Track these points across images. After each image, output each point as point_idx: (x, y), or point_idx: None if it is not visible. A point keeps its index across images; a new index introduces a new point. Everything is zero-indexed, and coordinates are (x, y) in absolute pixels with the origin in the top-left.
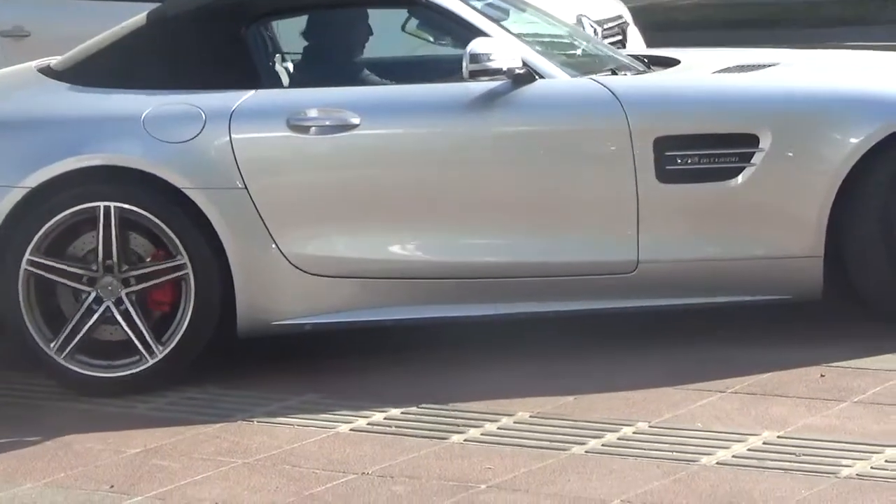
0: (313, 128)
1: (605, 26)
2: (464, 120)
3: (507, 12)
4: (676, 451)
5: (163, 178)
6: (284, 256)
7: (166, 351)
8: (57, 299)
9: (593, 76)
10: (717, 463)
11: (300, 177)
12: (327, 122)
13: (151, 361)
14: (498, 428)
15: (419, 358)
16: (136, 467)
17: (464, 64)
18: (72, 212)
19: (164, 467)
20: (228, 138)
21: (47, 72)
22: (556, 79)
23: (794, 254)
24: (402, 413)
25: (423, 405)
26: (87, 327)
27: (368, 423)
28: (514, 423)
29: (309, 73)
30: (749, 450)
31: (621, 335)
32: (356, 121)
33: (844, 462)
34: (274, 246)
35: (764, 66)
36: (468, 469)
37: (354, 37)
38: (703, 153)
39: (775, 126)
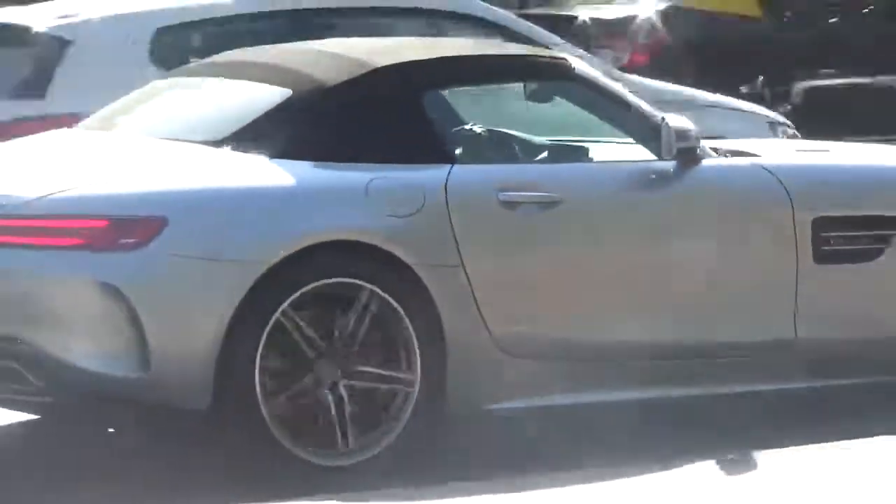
0: (523, 204)
1: None
2: (659, 197)
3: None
4: None
5: (398, 257)
6: (492, 338)
7: (368, 454)
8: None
9: (752, 159)
10: None
11: (511, 253)
12: (534, 199)
13: (345, 461)
14: None
15: None
16: None
17: (667, 141)
18: (326, 283)
19: None
20: (447, 213)
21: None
22: (713, 157)
23: None
24: None
25: None
26: (301, 395)
27: None
28: None
29: (492, 149)
30: None
31: None
32: (558, 196)
33: None
34: (484, 327)
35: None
36: None
37: (513, 112)
38: (857, 234)
39: None
